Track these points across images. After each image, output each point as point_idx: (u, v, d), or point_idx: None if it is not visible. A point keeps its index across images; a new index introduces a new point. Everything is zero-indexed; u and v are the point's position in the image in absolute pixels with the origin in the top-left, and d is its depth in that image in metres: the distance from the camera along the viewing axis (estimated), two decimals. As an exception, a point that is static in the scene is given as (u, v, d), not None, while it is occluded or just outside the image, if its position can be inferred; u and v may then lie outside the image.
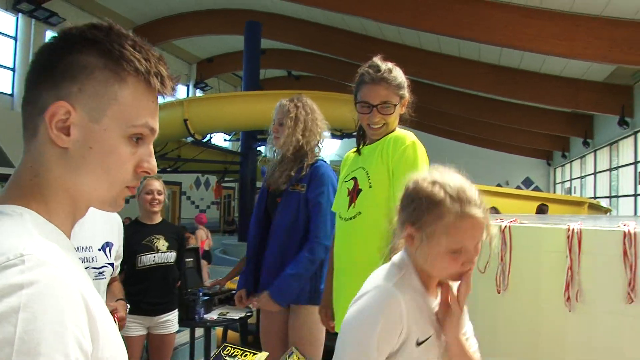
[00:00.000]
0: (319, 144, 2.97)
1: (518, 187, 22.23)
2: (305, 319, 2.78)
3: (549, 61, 12.30)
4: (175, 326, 3.82)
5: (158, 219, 3.78)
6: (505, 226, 2.27)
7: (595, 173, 17.21)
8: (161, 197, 3.71)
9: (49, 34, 15.42)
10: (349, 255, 2.29)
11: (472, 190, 1.39)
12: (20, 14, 14.42)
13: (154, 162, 0.90)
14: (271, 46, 17.98)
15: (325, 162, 2.92)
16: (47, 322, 0.65)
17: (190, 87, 22.53)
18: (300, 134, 2.86)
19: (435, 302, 1.44)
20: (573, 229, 2.06)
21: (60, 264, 0.71)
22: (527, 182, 23.56)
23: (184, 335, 5.24)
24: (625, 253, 1.95)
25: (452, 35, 10.77)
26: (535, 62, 12.75)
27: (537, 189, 23.03)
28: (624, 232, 1.96)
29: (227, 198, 26.06)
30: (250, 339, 5.33)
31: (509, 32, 9.90)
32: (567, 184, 21.20)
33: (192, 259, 5.32)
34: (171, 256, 3.71)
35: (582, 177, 18.99)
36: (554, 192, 22.37)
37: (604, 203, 14.68)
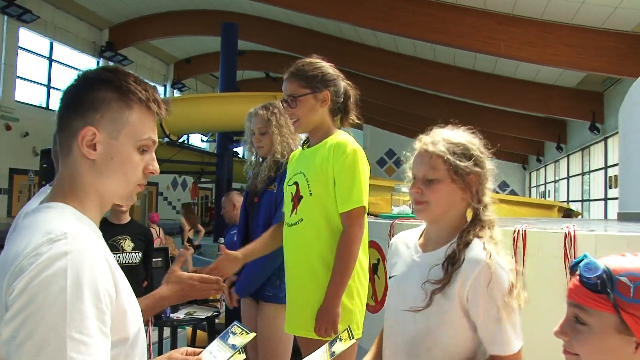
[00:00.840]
0: (296, 145, 3.00)
1: (494, 191, 22.37)
2: (271, 318, 2.80)
3: (522, 67, 12.48)
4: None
5: (126, 219, 3.79)
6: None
7: (568, 177, 17.49)
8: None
9: (23, 32, 15.25)
10: (293, 260, 2.35)
11: None
12: (-8, 11, 14.22)
13: (156, 164, 1.22)
14: (249, 48, 17.96)
15: None
16: (86, 276, 0.96)
17: (168, 87, 22.41)
18: (290, 139, 2.90)
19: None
20: (518, 230, 2.12)
21: (89, 238, 1.04)
22: (503, 186, 23.82)
23: (152, 335, 5.23)
24: (565, 254, 2.01)
25: (425, 40, 10.90)
26: (509, 67, 12.93)
27: (512, 192, 23.30)
28: (565, 234, 2.02)
29: (205, 199, 25.92)
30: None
31: (482, 37, 10.05)
32: (542, 188, 21.51)
33: (160, 259, 5.31)
34: (136, 257, 3.72)
35: (556, 181, 19.28)
36: (529, 195, 22.66)
37: (576, 207, 14.93)
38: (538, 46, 9.88)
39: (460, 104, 16.51)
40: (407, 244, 1.66)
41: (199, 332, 5.43)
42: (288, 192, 2.40)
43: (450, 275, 1.46)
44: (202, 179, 16.98)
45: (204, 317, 4.36)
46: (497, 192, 21.24)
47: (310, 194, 2.27)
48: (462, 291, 1.44)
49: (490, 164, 1.58)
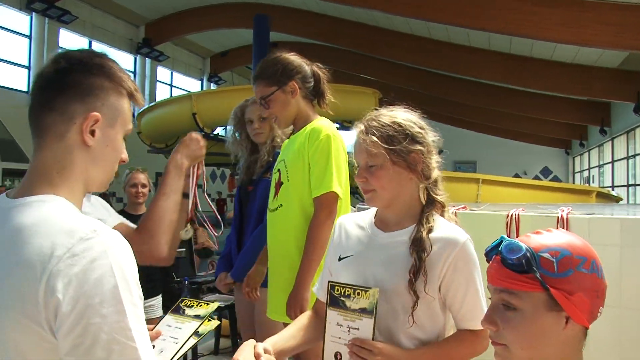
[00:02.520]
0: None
1: (536, 177, 21.97)
2: (266, 302, 2.82)
3: (560, 48, 12.11)
4: (159, 311, 3.93)
5: (143, 209, 3.87)
6: (452, 212, 2.27)
7: (612, 162, 16.94)
8: (145, 190, 3.84)
9: (63, 33, 15.67)
10: (272, 246, 2.39)
11: None
12: (34, 13, 14.64)
13: (126, 154, 1.23)
14: (283, 39, 18.00)
15: None
16: (127, 269, 0.99)
17: (205, 81, 22.68)
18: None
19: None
20: (512, 215, 2.06)
21: (114, 232, 1.02)
22: (546, 172, 23.29)
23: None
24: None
25: (458, 25, 10.70)
26: (546, 49, 12.58)
27: (555, 178, 22.74)
28: (557, 217, 1.95)
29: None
30: (242, 327, 5.41)
31: (516, 20, 9.79)
32: (586, 173, 20.91)
33: (184, 249, 5.41)
34: None
35: (600, 166, 18.71)
36: (573, 181, 22.08)
37: (621, 192, 14.43)
38: (574, 26, 9.55)
39: (497, 88, 16.18)
40: (358, 224, 1.62)
41: (224, 320, 5.52)
42: (273, 178, 2.44)
43: (423, 263, 1.43)
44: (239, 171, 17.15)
45: (223, 305, 4.40)
46: (540, 179, 20.82)
47: (288, 180, 2.29)
48: (439, 271, 1.44)
49: (432, 136, 1.53)
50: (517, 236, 2.20)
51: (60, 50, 1.18)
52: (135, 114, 16.73)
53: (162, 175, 1.79)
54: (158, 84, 20.18)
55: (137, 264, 1.06)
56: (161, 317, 4.23)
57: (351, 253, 1.58)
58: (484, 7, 9.76)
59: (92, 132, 1.11)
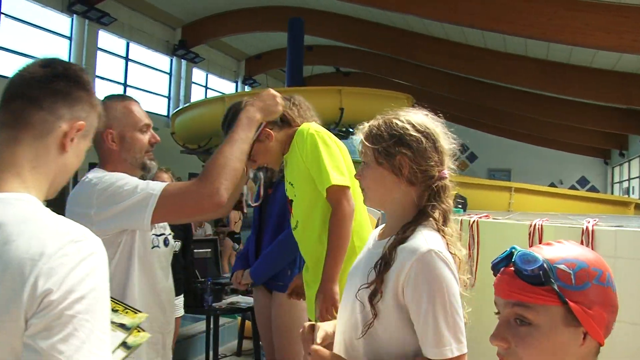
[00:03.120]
0: None
1: (573, 187, 21.46)
2: (284, 307, 2.82)
3: (600, 55, 11.81)
4: (180, 311, 3.95)
5: None
6: (474, 221, 2.21)
7: (655, 172, 16.46)
8: None
9: (102, 34, 15.99)
10: (306, 258, 2.45)
11: None
12: (74, 15, 14.98)
13: None
14: (318, 42, 18.02)
15: None
16: (107, 275, 1.02)
17: (239, 83, 22.85)
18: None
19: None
20: (535, 225, 1.98)
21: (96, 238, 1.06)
22: (583, 182, 22.71)
23: (201, 324, 5.36)
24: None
25: (493, 30, 10.53)
26: (585, 56, 12.28)
27: (593, 188, 22.18)
28: (582, 229, 1.87)
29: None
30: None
31: (553, 25, 9.56)
32: (625, 184, 20.32)
33: (210, 250, 5.42)
34: (176, 245, 3.82)
35: (641, 177, 18.18)
36: (612, 192, 21.50)
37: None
38: (614, 32, 9.28)
39: (534, 96, 15.89)
40: (373, 233, 1.59)
41: (247, 321, 5.52)
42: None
43: (381, 277, 1.34)
44: (271, 173, 17.23)
45: (245, 307, 4.39)
46: (576, 189, 20.34)
47: (296, 196, 2.32)
48: (396, 285, 1.32)
49: (447, 144, 1.47)
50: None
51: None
52: (170, 115, 17.02)
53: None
54: (193, 85, 20.42)
55: (196, 213, 1.41)
56: (182, 317, 4.27)
57: (354, 262, 1.57)
58: (522, 12, 9.57)
59: (72, 139, 1.16)
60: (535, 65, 13.52)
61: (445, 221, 1.43)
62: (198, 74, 20.93)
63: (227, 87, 22.67)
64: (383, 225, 1.55)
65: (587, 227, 1.85)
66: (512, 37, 11.79)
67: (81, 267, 0.97)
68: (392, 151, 1.40)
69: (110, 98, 1.92)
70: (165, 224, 1.94)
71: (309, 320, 2.42)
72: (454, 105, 18.45)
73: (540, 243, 2.05)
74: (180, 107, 15.55)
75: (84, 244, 1.00)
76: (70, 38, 15.27)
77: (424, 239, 1.35)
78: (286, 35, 15.04)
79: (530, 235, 1.99)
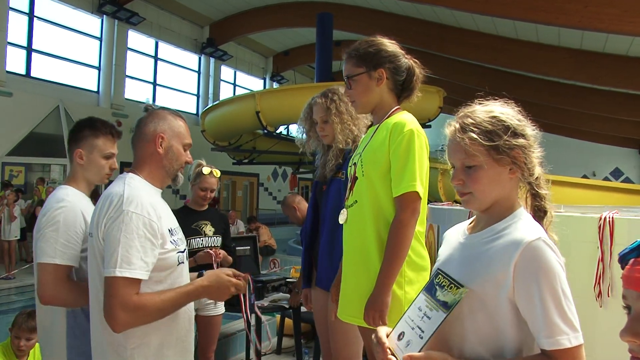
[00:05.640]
0: (363, 131, 2.91)
1: (606, 179, 21.05)
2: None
3: (637, 42, 11.54)
4: (221, 309, 3.93)
5: (205, 206, 3.90)
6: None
7: (691, 163, 16.05)
8: (212, 194, 3.88)
9: (131, 34, 16.16)
10: (348, 243, 2.27)
11: None
12: (104, 16, 15.17)
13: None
14: (346, 37, 17.95)
15: None
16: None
17: (267, 80, 22.91)
18: (352, 125, 2.81)
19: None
20: (605, 218, 1.92)
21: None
22: (617, 173, 22.28)
23: (241, 323, 5.35)
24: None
25: (526, 20, 10.33)
26: (621, 44, 12.02)
27: (627, 179, 21.73)
28: (659, 221, 1.80)
29: (305, 189, 26.33)
30: (307, 327, 5.37)
31: (589, 13, 9.35)
32: (661, 175, 19.91)
33: (249, 247, 5.41)
34: (217, 240, 3.83)
35: (677, 167, 17.76)
36: (647, 183, 21.04)
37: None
38: (654, 19, 9.05)
39: (567, 86, 15.59)
40: (457, 230, 1.52)
41: (287, 319, 5.50)
42: (348, 172, 2.35)
43: (490, 269, 1.29)
44: (301, 170, 17.24)
45: (287, 305, 4.38)
46: (610, 181, 19.92)
47: (363, 175, 2.18)
48: (505, 276, 1.26)
49: (530, 130, 1.40)
50: (612, 241, 2.07)
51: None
52: (199, 113, 17.13)
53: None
54: (222, 83, 20.52)
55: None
56: (222, 315, 4.26)
57: (441, 259, 1.49)
58: (557, 1, 9.38)
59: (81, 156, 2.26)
60: (569, 54, 13.28)
61: (544, 209, 1.38)
62: (226, 72, 21.04)
63: (255, 84, 22.74)
64: (473, 218, 1.50)
65: (664, 220, 1.79)
66: (545, 27, 11.58)
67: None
68: (510, 145, 1.34)
69: (165, 109, 1.99)
70: (183, 236, 1.95)
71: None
72: (483, 98, 18.18)
73: (611, 237, 1.99)
74: (209, 105, 15.63)
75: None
76: (100, 39, 15.47)
77: (529, 228, 1.30)
78: (313, 30, 15.01)
79: (601, 228, 1.93)
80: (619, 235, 1.93)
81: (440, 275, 1.38)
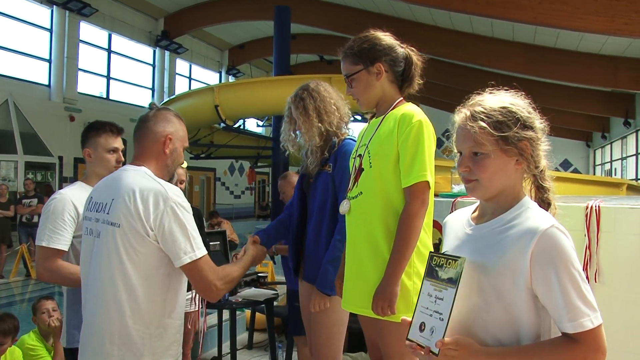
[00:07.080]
0: (345, 121, 2.88)
1: (556, 169, 21.46)
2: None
3: (587, 38, 11.91)
4: (194, 305, 3.91)
5: None
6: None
7: (637, 154, 16.68)
8: (182, 186, 3.86)
9: (83, 26, 15.70)
10: (354, 235, 2.26)
11: None
12: (54, 6, 14.67)
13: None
14: (302, 31, 17.90)
15: (352, 139, 2.84)
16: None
17: (223, 73, 22.66)
18: (317, 122, 2.78)
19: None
20: (592, 207, 1.98)
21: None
22: (566, 164, 23.02)
23: (212, 318, 5.30)
24: (646, 231, 1.86)
25: (483, 15, 10.52)
26: (572, 40, 12.38)
27: (575, 171, 22.47)
28: (645, 209, 1.86)
29: (262, 183, 26.21)
30: (277, 321, 5.35)
31: (543, 9, 9.58)
32: (607, 166, 20.63)
33: (218, 242, 5.33)
34: None
35: (623, 159, 18.44)
36: (594, 174, 21.80)
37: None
38: (606, 15, 9.31)
39: (519, 80, 15.89)
40: (460, 219, 1.53)
41: (257, 314, 5.47)
42: (352, 164, 2.33)
43: (506, 259, 1.32)
44: (259, 164, 17.14)
45: (262, 299, 4.35)
46: (559, 170, 20.56)
47: (370, 166, 2.18)
48: (521, 265, 1.29)
49: (539, 123, 1.43)
50: (598, 228, 2.14)
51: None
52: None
53: None
54: (177, 76, 20.19)
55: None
56: (196, 312, 4.20)
57: (447, 248, 1.51)
58: (513, -4, 9.59)
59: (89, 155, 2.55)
60: (522, 49, 13.61)
61: (548, 200, 1.42)
62: (182, 65, 20.71)
63: (211, 77, 22.47)
64: (475, 207, 1.52)
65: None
66: (499, 22, 11.82)
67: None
68: (519, 137, 1.36)
69: (170, 111, 2.10)
70: None
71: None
72: (439, 91, 18.51)
73: (597, 225, 2.05)
74: (166, 99, 15.35)
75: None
76: (50, 30, 14.97)
77: (541, 216, 1.33)
78: (270, 24, 14.87)
79: (587, 217, 1.99)
80: (605, 223, 2.00)
81: (434, 257, 1.41)
